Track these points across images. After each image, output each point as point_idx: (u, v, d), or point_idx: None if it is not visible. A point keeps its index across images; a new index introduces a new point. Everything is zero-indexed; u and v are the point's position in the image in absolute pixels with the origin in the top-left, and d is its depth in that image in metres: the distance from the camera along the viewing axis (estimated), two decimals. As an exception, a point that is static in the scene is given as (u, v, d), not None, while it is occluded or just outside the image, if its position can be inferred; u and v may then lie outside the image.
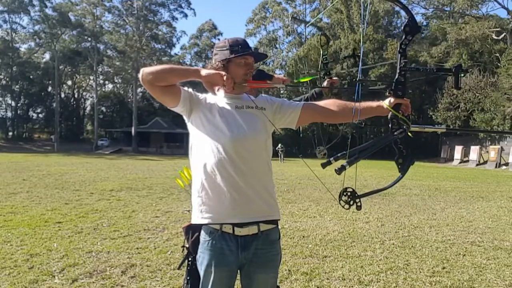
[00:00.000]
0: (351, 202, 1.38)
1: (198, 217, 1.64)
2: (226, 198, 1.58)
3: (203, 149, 1.62)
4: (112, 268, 3.64)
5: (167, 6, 49.84)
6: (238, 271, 1.66)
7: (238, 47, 1.66)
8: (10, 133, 52.44)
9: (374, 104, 1.67)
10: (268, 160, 1.71)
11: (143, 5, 46.74)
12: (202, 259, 1.63)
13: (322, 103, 1.74)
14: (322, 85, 2.68)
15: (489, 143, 28.34)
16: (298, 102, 1.81)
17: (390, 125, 1.64)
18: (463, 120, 30.96)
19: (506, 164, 22.54)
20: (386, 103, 1.60)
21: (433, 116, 33.27)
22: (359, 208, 1.44)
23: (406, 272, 3.70)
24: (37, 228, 5.16)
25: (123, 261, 3.86)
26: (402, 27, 1.50)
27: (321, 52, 2.65)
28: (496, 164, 23.08)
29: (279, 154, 28.12)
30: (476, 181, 13.87)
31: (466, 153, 27.13)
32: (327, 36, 2.72)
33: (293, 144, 40.77)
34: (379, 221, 6.12)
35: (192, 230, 1.78)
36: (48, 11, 46.93)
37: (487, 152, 25.35)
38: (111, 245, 4.39)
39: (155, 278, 3.43)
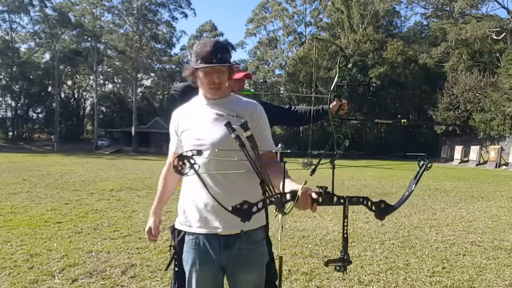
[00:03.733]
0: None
1: (178, 222, 1.70)
2: (204, 207, 1.60)
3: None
4: (112, 268, 3.64)
5: (167, 6, 49.83)
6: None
7: (204, 56, 1.57)
8: (10, 133, 52.40)
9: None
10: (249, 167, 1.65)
11: (142, 5, 46.72)
12: (187, 258, 1.66)
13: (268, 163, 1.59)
14: (331, 105, 2.67)
15: (489, 143, 28.34)
16: (269, 145, 1.69)
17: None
18: (463, 120, 30.96)
19: (506, 164, 22.53)
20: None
21: (433, 116, 33.27)
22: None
23: (406, 272, 3.70)
24: (37, 228, 5.16)
25: (123, 261, 3.86)
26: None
27: (338, 73, 2.63)
28: (496, 164, 23.07)
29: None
30: (476, 181, 13.87)
31: (466, 153, 27.11)
32: (346, 57, 2.71)
33: (293, 144, 40.76)
34: (379, 221, 6.12)
35: (178, 230, 1.80)
36: (48, 11, 46.92)
37: (487, 152, 25.34)
38: (111, 245, 4.39)
39: (155, 278, 3.43)
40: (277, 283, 2.92)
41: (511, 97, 26.64)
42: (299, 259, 4.02)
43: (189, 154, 1.22)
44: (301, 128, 41.47)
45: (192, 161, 1.22)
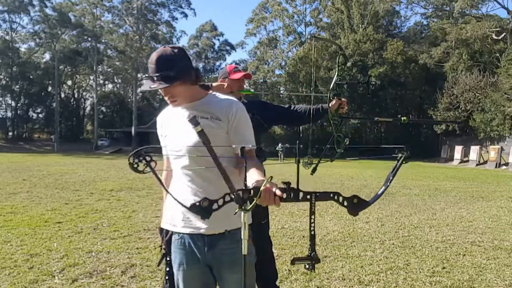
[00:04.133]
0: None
1: (164, 222, 1.72)
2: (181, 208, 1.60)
3: (170, 159, 1.69)
4: (112, 268, 3.64)
5: (167, 6, 49.86)
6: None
7: (148, 72, 1.54)
8: (10, 133, 52.42)
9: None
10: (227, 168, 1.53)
11: (142, 4, 46.74)
12: (174, 258, 1.68)
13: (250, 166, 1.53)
14: (331, 104, 2.68)
15: (489, 143, 28.35)
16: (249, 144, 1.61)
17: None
18: (463, 120, 30.96)
19: (506, 164, 22.54)
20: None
21: (433, 116, 33.27)
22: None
23: (406, 272, 3.70)
24: (37, 228, 5.16)
25: (123, 261, 3.86)
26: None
27: (337, 72, 2.63)
28: (496, 164, 23.07)
29: (279, 154, 28.14)
30: (476, 181, 13.87)
31: (466, 153, 27.12)
32: (346, 56, 2.71)
33: (293, 144, 40.77)
34: (379, 221, 6.12)
35: (166, 229, 1.80)
36: (48, 11, 46.98)
37: (487, 152, 25.34)
38: (111, 245, 4.39)
39: (155, 278, 3.43)
40: (279, 281, 2.92)
41: (511, 97, 26.64)
42: (299, 259, 4.02)
43: (144, 151, 1.20)
44: (301, 128, 41.44)
45: (148, 158, 1.20)
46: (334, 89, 2.65)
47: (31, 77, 51.18)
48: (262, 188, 1.24)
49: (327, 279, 3.48)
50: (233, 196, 1.24)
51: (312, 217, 1.27)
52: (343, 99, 2.72)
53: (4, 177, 11.53)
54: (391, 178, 1.40)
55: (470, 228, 5.72)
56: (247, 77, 2.75)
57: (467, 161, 26.30)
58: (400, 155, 1.35)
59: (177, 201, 1.27)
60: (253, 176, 1.40)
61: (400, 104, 40.94)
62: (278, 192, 1.24)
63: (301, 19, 51.02)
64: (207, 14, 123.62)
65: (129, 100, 57.25)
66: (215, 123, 1.57)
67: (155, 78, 1.50)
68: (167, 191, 1.39)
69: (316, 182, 11.59)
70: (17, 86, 51.32)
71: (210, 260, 1.61)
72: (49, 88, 54.41)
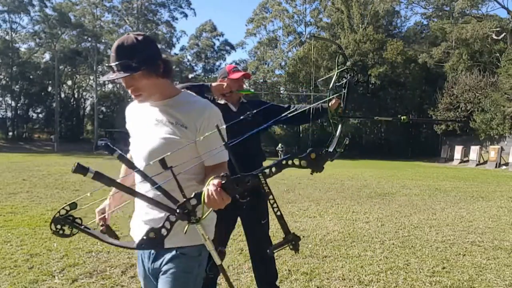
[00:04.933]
0: None
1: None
2: (137, 221, 1.56)
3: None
4: (112, 268, 3.64)
5: (167, 6, 49.87)
6: None
7: (110, 61, 1.38)
8: (10, 133, 52.39)
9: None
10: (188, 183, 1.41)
11: (142, 4, 46.75)
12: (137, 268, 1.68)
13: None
14: (330, 103, 2.68)
15: (489, 143, 28.34)
16: (220, 150, 1.43)
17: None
18: (463, 121, 30.96)
19: (506, 164, 22.53)
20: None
21: (433, 116, 33.27)
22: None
23: (406, 272, 3.70)
24: (37, 228, 5.16)
25: (123, 261, 3.86)
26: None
27: (336, 72, 2.63)
28: (496, 164, 23.07)
29: (279, 154, 28.14)
30: (476, 181, 13.86)
31: (466, 153, 27.11)
32: (345, 55, 2.71)
33: (293, 144, 40.76)
34: (379, 221, 6.12)
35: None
36: (48, 11, 46.96)
37: (487, 152, 25.34)
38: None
39: (155, 278, 3.43)
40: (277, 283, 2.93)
41: (511, 97, 26.63)
42: (299, 259, 4.02)
43: (62, 213, 1.15)
44: (300, 127, 41.50)
45: (69, 220, 1.12)
46: (333, 89, 2.66)
47: (31, 77, 51.16)
48: (204, 190, 1.15)
49: (327, 279, 3.48)
50: (176, 214, 1.15)
51: (271, 196, 1.21)
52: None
53: (4, 177, 11.53)
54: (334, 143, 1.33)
55: (470, 228, 5.72)
56: (246, 77, 2.75)
57: (467, 161, 26.29)
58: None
59: (131, 234, 1.24)
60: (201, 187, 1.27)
61: (400, 104, 40.93)
62: (220, 194, 1.14)
63: (301, 19, 51.04)
64: (207, 14, 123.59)
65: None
66: (180, 131, 1.40)
67: (114, 68, 1.35)
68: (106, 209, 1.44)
69: (316, 182, 11.59)
70: (17, 86, 51.29)
71: (154, 272, 1.52)
72: (49, 88, 54.38)
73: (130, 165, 1.33)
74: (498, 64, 31.28)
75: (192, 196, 1.17)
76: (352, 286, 3.35)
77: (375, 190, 10.28)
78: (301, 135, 42.77)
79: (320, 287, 3.32)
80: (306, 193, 9.42)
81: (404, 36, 45.96)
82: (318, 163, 1.13)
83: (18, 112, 53.14)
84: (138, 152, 1.50)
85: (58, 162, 20.62)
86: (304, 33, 50.81)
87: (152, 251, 1.49)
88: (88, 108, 61.50)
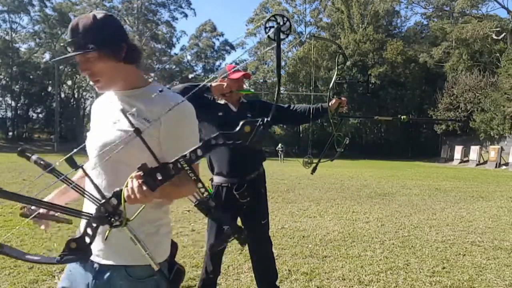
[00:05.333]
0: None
1: None
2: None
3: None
4: (112, 268, 3.64)
5: (167, 6, 49.88)
6: None
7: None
8: (10, 133, 52.41)
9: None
10: None
11: (142, 4, 46.77)
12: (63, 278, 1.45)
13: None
14: (330, 103, 2.69)
15: (489, 143, 28.35)
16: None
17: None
18: (463, 120, 30.96)
19: (506, 164, 22.54)
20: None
21: (433, 116, 33.29)
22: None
23: (406, 272, 3.70)
24: (37, 228, 5.14)
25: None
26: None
27: (336, 71, 2.64)
28: (496, 164, 23.08)
29: (279, 154, 28.12)
30: (476, 181, 13.86)
31: (466, 153, 27.12)
32: (345, 56, 2.72)
33: (293, 144, 40.78)
34: (379, 221, 6.12)
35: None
36: (48, 11, 46.99)
37: (487, 152, 25.34)
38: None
39: (155, 278, 3.42)
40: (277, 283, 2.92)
41: (511, 97, 26.64)
42: (299, 259, 4.02)
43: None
44: (300, 127, 41.52)
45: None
46: (334, 88, 2.66)
47: (31, 77, 51.16)
48: (124, 188, 1.02)
49: (327, 279, 3.48)
50: (96, 218, 1.03)
51: (200, 184, 1.07)
52: (342, 98, 2.73)
53: (4, 177, 11.53)
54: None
55: (470, 228, 5.72)
56: (246, 76, 2.75)
57: (467, 161, 26.30)
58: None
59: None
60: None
61: (400, 104, 40.95)
62: (140, 189, 1.00)
63: (301, 19, 51.07)
64: (207, 14, 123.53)
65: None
66: (142, 124, 1.18)
67: (68, 48, 1.22)
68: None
69: (316, 182, 11.59)
70: (17, 86, 51.30)
71: None
72: (49, 88, 54.37)
73: (47, 165, 1.21)
74: (498, 64, 31.29)
75: (111, 195, 1.03)
76: (352, 286, 3.34)
77: (375, 190, 10.28)
78: (301, 135, 42.78)
79: (320, 287, 3.32)
80: (306, 193, 9.42)
81: (404, 36, 45.97)
82: (252, 138, 0.96)
83: (18, 112, 53.14)
84: (91, 145, 1.31)
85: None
86: (304, 33, 50.84)
87: (96, 264, 1.27)
88: (88, 108, 61.49)
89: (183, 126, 1.25)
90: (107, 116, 1.29)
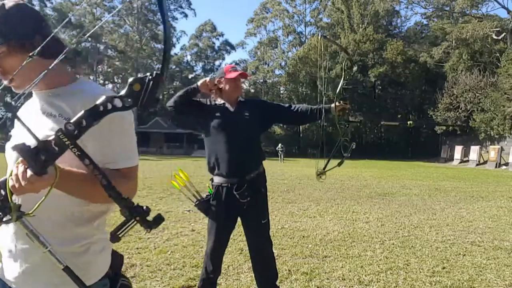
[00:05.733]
0: None
1: None
2: (8, 252, 1.15)
3: None
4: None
5: (167, 6, 49.91)
6: None
7: None
8: (10, 134, 52.50)
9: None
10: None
11: (142, 4, 46.79)
12: None
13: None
14: (333, 105, 2.69)
15: (489, 143, 28.36)
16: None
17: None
18: (463, 121, 30.99)
19: (506, 164, 22.55)
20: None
21: (433, 116, 33.32)
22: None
23: (406, 272, 3.70)
24: (37, 228, 5.15)
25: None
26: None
27: (343, 76, 2.64)
28: (496, 164, 23.08)
29: (279, 154, 28.11)
30: (476, 181, 13.87)
31: (466, 153, 27.14)
32: (352, 61, 2.72)
33: (293, 144, 40.79)
34: (379, 221, 6.12)
35: None
36: (48, 11, 46.97)
37: (487, 152, 25.35)
38: (111, 245, 4.39)
39: (155, 278, 3.42)
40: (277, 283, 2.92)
41: (511, 97, 26.64)
42: (299, 259, 4.02)
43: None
44: (300, 128, 41.52)
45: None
46: (341, 94, 2.67)
47: (31, 77, 51.25)
48: (7, 177, 0.89)
49: (327, 279, 3.48)
50: None
51: (96, 171, 0.94)
52: (347, 106, 2.73)
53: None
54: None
55: (470, 228, 5.72)
56: (243, 76, 2.74)
57: (467, 161, 26.31)
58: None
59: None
60: None
61: (400, 104, 40.99)
62: (24, 175, 0.86)
63: (301, 19, 51.11)
64: (207, 14, 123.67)
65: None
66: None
67: None
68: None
69: (316, 182, 11.58)
70: (17, 86, 51.37)
71: None
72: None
73: None
74: (498, 64, 31.29)
75: None
76: (352, 286, 3.34)
77: (375, 190, 10.28)
78: (301, 135, 42.79)
79: (320, 287, 3.32)
80: (306, 193, 9.42)
81: (404, 36, 46.01)
82: (143, 97, 0.82)
83: (18, 112, 53.20)
84: (10, 150, 1.10)
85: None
86: (304, 33, 50.88)
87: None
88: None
89: (115, 126, 1.10)
90: (29, 119, 1.07)
